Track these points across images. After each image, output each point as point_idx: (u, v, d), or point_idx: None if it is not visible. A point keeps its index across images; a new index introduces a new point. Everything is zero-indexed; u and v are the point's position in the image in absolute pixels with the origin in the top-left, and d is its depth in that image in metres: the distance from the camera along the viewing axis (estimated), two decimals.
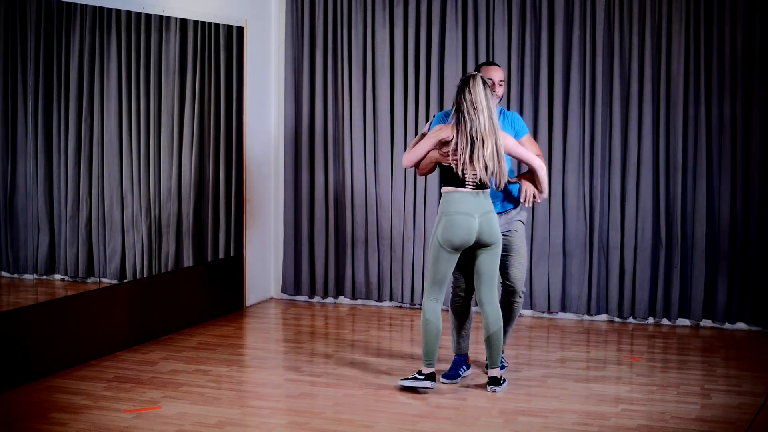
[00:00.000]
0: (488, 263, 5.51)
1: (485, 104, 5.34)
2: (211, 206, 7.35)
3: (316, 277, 7.99)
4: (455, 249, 5.47)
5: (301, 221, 8.00)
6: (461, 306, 5.83)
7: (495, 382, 5.59)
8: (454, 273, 5.77)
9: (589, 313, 7.43)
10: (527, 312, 7.57)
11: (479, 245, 5.48)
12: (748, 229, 7.04)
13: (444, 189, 5.51)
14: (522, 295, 5.87)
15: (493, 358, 5.59)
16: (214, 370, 6.03)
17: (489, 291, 5.53)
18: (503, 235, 5.72)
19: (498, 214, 5.70)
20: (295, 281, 8.07)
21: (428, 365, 5.58)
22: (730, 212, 7.08)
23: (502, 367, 5.77)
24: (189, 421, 5.07)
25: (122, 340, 6.45)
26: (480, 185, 5.43)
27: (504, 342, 5.79)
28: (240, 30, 7.53)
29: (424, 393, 5.55)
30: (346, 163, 7.82)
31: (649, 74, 7.17)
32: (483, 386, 5.69)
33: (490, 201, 5.50)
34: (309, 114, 7.91)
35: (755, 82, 6.94)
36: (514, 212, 5.81)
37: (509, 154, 5.58)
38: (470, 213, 5.40)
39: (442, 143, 5.46)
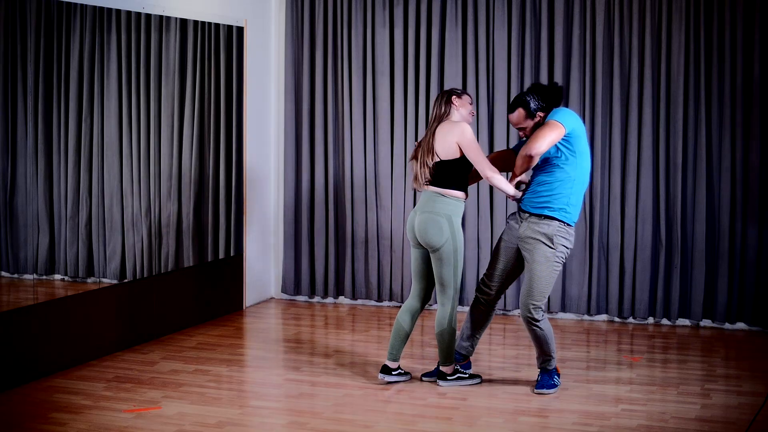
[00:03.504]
0: (434, 266, 5.59)
1: (432, 114, 5.60)
2: (211, 206, 7.35)
3: (316, 277, 7.99)
4: (415, 244, 5.65)
5: (301, 221, 7.99)
6: (472, 307, 5.84)
7: (441, 376, 5.72)
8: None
9: (589, 313, 7.43)
10: None
11: (426, 245, 5.58)
12: (747, 229, 7.04)
13: None
14: (532, 320, 5.45)
15: (439, 354, 5.71)
16: (214, 370, 6.03)
17: (438, 294, 5.65)
18: (521, 241, 5.53)
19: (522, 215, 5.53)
20: (295, 281, 8.07)
21: (390, 359, 5.75)
22: (730, 212, 7.08)
23: (552, 377, 5.61)
24: (189, 421, 5.07)
25: (122, 340, 6.45)
26: (429, 183, 5.56)
27: (540, 361, 5.62)
28: (240, 30, 7.53)
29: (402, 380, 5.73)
30: (346, 164, 7.82)
31: (649, 74, 7.17)
32: (483, 387, 5.71)
33: (442, 202, 5.50)
34: (309, 114, 7.91)
35: (755, 82, 6.94)
36: (527, 219, 5.48)
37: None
38: (416, 209, 5.63)
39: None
